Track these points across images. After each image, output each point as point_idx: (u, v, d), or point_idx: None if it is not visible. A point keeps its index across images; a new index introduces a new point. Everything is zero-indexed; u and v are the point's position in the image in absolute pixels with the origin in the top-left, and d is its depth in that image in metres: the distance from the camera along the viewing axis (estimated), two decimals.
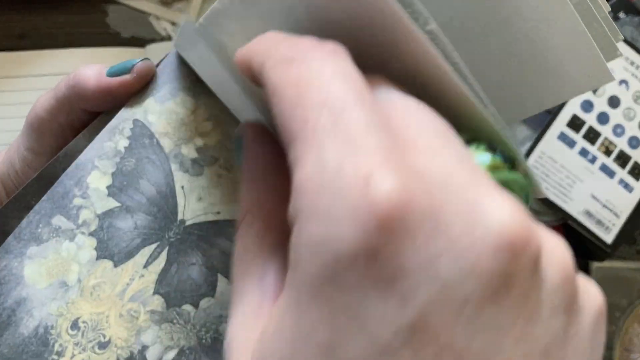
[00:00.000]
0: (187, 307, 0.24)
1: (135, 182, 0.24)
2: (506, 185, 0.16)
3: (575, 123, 0.51)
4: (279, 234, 0.16)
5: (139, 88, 0.26)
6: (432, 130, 0.14)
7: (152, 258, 0.24)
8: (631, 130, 0.51)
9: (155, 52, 0.54)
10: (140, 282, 0.23)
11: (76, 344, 0.22)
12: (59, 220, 0.23)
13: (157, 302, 0.23)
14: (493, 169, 0.17)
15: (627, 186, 0.52)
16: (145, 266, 0.24)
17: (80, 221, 0.23)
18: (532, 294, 0.13)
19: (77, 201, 0.23)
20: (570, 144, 0.51)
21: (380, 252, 0.12)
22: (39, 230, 0.23)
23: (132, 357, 0.23)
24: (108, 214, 0.24)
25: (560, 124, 0.51)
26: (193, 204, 0.25)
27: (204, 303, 0.24)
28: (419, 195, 0.12)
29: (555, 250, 0.14)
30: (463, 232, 0.12)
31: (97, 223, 0.23)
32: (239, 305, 0.16)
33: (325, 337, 0.12)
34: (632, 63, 0.51)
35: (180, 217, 0.24)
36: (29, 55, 0.54)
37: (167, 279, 0.24)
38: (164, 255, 0.24)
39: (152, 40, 0.56)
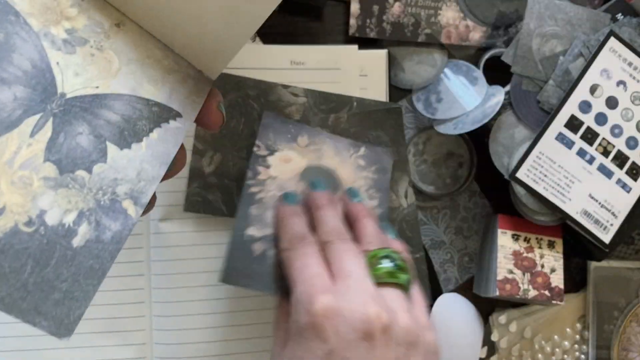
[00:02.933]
0: (81, 173, 0.25)
1: (7, 55, 0.24)
2: (395, 279, 0.38)
3: (573, 124, 0.51)
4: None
5: None
6: (356, 271, 0.37)
7: (38, 128, 0.25)
8: (629, 130, 0.52)
9: None
10: (28, 150, 0.24)
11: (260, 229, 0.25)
12: None
13: (49, 169, 0.24)
14: (390, 273, 0.38)
15: (625, 186, 0.52)
16: (31, 135, 0.24)
17: None
18: (385, 339, 0.34)
19: None
20: (568, 144, 0.51)
21: (315, 325, 0.34)
22: None
23: (31, 222, 0.23)
24: None
25: (558, 124, 0.51)
26: (71, 79, 0.26)
27: (97, 168, 0.26)
28: (335, 305, 0.34)
29: (401, 321, 0.35)
30: (352, 317, 0.34)
31: None
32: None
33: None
34: (630, 64, 0.52)
35: (60, 90, 0.26)
36: None
37: (55, 146, 0.25)
38: (49, 125, 0.25)
39: None
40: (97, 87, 0.27)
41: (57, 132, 0.25)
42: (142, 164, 0.27)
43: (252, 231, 0.49)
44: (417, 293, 0.40)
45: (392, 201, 0.53)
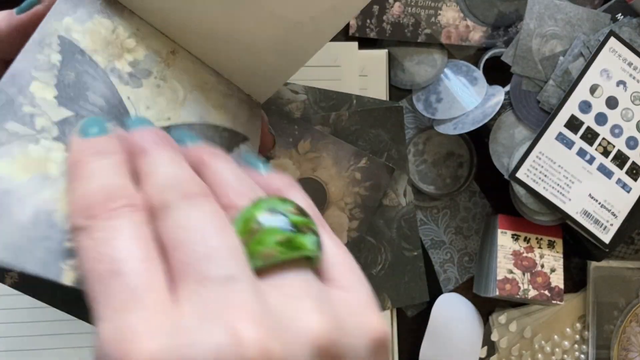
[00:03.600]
0: None
1: (82, 94, 0.26)
2: (296, 250, 0.21)
3: (573, 124, 0.51)
4: None
5: None
6: (225, 262, 0.19)
7: None
8: (629, 130, 0.52)
9: None
10: None
11: None
12: (13, 126, 0.24)
13: None
14: (284, 243, 0.21)
15: (625, 186, 0.52)
16: None
17: (38, 127, 0.25)
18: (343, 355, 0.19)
19: (27, 109, 0.25)
20: (569, 144, 0.51)
21: None
22: None
23: None
24: (65, 122, 0.25)
25: (558, 124, 0.51)
26: (144, 112, 0.27)
27: None
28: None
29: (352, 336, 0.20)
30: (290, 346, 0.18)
31: (57, 129, 0.25)
32: None
33: None
34: (630, 64, 0.52)
35: None
36: None
37: None
38: None
39: None
40: (169, 118, 0.28)
41: None
42: None
43: None
44: (333, 250, 0.23)
45: (391, 200, 0.53)
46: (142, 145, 0.23)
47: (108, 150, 0.22)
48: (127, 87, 0.27)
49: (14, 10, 0.26)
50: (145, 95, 0.28)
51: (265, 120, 0.32)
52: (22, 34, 0.26)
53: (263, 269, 0.20)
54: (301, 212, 0.22)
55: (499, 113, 0.52)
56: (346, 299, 0.21)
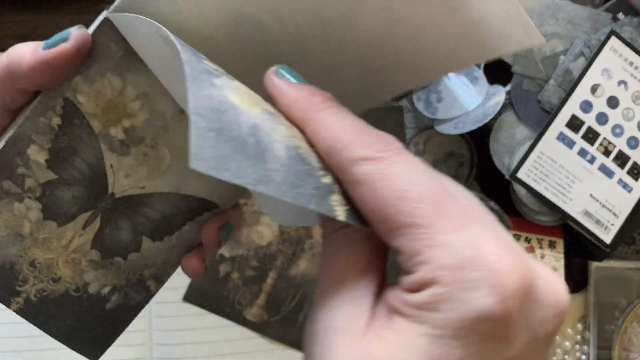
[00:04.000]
0: (118, 259, 0.31)
1: (70, 158, 0.28)
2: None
3: (574, 123, 0.51)
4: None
5: (77, 59, 0.26)
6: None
7: (89, 222, 0.30)
8: (630, 130, 0.52)
9: None
10: (80, 239, 0.30)
11: (35, 277, 0.30)
12: (7, 185, 0.28)
13: (94, 254, 0.30)
14: None
15: (626, 186, 0.52)
16: (83, 227, 0.30)
17: (26, 187, 0.28)
18: None
19: (21, 170, 0.28)
20: (570, 144, 0.51)
21: (507, 314, 0.18)
22: None
23: (78, 289, 0.30)
24: (49, 184, 0.29)
25: (559, 124, 0.51)
26: (121, 180, 0.29)
27: (131, 256, 0.31)
28: (526, 273, 0.18)
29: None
30: (547, 300, 0.19)
31: (40, 190, 0.28)
32: (342, 310, 0.20)
33: None
34: (631, 64, 0.52)
35: (110, 190, 0.29)
36: None
37: (101, 238, 0.30)
38: (98, 221, 0.30)
39: None
40: (144, 187, 0.30)
41: (104, 226, 0.30)
42: (169, 253, 0.31)
43: (223, 250, 0.49)
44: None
45: None
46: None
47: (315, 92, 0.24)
48: (114, 155, 0.29)
49: (41, 44, 0.26)
50: (128, 164, 0.29)
51: None
52: (45, 69, 0.26)
53: None
54: None
55: (499, 113, 0.52)
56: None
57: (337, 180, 0.21)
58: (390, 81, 0.28)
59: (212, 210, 0.31)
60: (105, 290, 0.31)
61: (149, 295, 0.32)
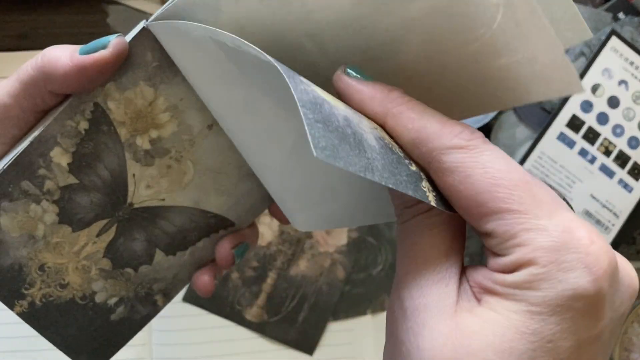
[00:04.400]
0: (129, 270, 0.30)
1: (93, 164, 0.28)
2: None
3: (574, 123, 0.51)
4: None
5: (114, 66, 0.26)
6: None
7: (104, 230, 0.29)
8: (630, 130, 0.52)
9: None
10: (93, 247, 0.29)
11: (42, 281, 0.29)
12: (26, 185, 0.28)
13: (106, 263, 0.30)
14: None
15: (626, 186, 0.52)
16: (97, 235, 0.29)
17: (45, 189, 0.28)
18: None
19: (42, 172, 0.27)
20: (570, 144, 0.51)
21: (600, 293, 0.19)
22: (10, 189, 0.27)
23: (85, 297, 0.30)
24: (68, 188, 0.28)
25: (559, 124, 0.51)
26: (142, 191, 0.29)
27: (142, 269, 0.30)
28: (611, 256, 0.20)
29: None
30: (625, 282, 0.21)
31: (59, 194, 0.28)
32: (432, 289, 0.21)
33: (569, 344, 0.19)
34: (631, 63, 0.51)
35: (129, 200, 0.29)
36: (29, 56, 0.54)
37: (114, 247, 0.30)
38: (113, 230, 0.29)
39: None
40: (163, 199, 0.29)
41: (118, 236, 0.29)
42: (180, 268, 0.31)
43: None
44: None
45: None
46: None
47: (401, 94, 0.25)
48: (138, 164, 0.28)
49: (78, 49, 0.26)
50: (150, 175, 0.29)
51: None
52: (81, 74, 0.26)
53: None
54: None
55: (500, 113, 0.52)
56: None
57: (422, 168, 0.22)
58: None
59: (227, 228, 0.31)
60: (112, 301, 0.30)
61: (155, 310, 0.31)
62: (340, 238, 0.56)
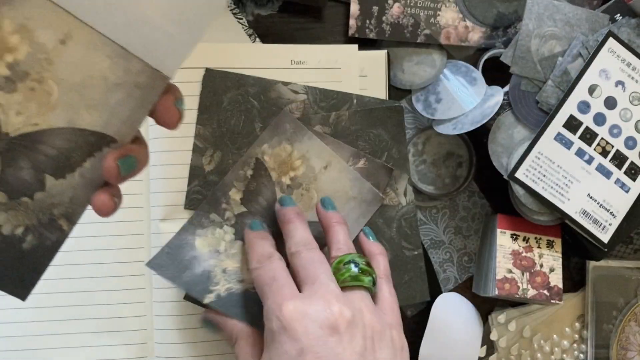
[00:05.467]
0: (25, 199, 0.31)
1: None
2: (359, 281, 0.42)
3: (572, 124, 0.51)
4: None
5: None
6: (321, 276, 0.42)
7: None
8: (627, 130, 0.52)
9: None
10: None
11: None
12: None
13: (2, 196, 0.30)
14: (354, 277, 0.42)
15: (623, 186, 0.52)
16: None
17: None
18: (350, 333, 0.38)
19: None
20: (567, 144, 0.51)
21: (286, 327, 0.39)
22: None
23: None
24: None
25: (557, 124, 0.51)
26: (12, 118, 0.29)
27: (38, 195, 0.31)
28: (301, 308, 0.40)
29: (365, 318, 0.40)
30: (318, 316, 0.39)
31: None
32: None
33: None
34: (628, 65, 0.52)
35: (4, 130, 0.29)
36: None
37: (5, 179, 0.30)
38: None
39: None
40: (37, 124, 0.29)
41: (5, 167, 0.30)
42: (74, 191, 0.31)
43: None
44: (386, 293, 0.44)
45: (391, 199, 0.54)
46: (287, 218, 0.46)
47: (264, 236, 0.46)
48: (2, 92, 0.28)
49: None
50: (17, 101, 0.29)
51: (175, 95, 0.32)
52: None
53: (342, 287, 0.41)
54: (369, 265, 0.44)
55: (498, 113, 0.52)
56: (384, 315, 0.43)
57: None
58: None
59: (110, 145, 0.31)
60: (19, 231, 0.31)
61: (63, 235, 0.32)
62: None
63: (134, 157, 0.31)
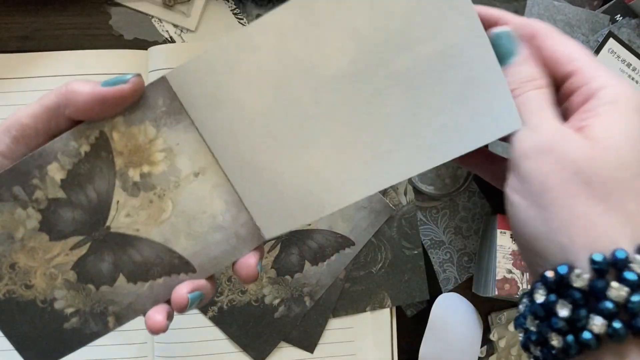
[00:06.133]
0: (91, 286, 0.32)
1: (84, 184, 0.31)
2: None
3: None
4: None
5: (130, 100, 0.30)
6: None
7: (78, 246, 0.32)
8: None
9: (158, 54, 0.55)
10: (64, 258, 0.32)
11: (10, 278, 0.32)
12: (18, 191, 0.31)
13: (72, 275, 0.32)
14: None
15: None
16: (71, 249, 0.32)
17: (34, 197, 0.31)
18: None
19: (35, 181, 0.31)
20: None
21: None
22: (1, 190, 0.31)
23: (45, 301, 0.32)
24: (55, 201, 0.31)
25: None
26: (121, 218, 0.32)
27: (103, 288, 0.32)
28: None
29: None
30: None
31: (46, 204, 0.31)
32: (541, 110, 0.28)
33: None
34: (628, 65, 0.52)
35: (108, 223, 0.31)
36: (33, 57, 0.54)
37: (83, 263, 0.32)
38: (86, 247, 0.32)
39: (155, 43, 0.56)
40: (138, 230, 0.32)
41: (89, 254, 0.32)
42: (137, 298, 0.32)
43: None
44: None
45: (391, 199, 0.54)
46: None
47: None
48: (124, 193, 0.31)
49: (101, 82, 0.29)
50: (133, 205, 0.31)
51: (260, 256, 0.33)
52: (98, 103, 0.29)
53: None
54: None
55: None
56: None
57: None
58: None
59: (188, 274, 0.32)
60: (69, 310, 0.32)
61: (105, 329, 0.33)
62: None
63: (202, 293, 0.32)
